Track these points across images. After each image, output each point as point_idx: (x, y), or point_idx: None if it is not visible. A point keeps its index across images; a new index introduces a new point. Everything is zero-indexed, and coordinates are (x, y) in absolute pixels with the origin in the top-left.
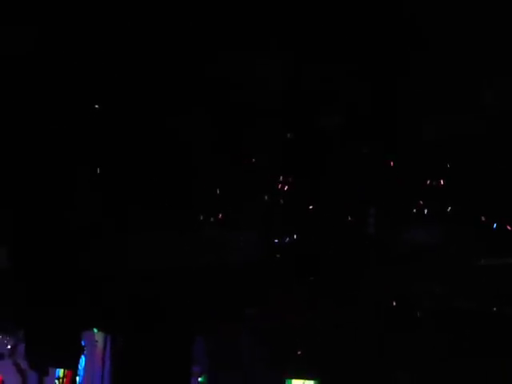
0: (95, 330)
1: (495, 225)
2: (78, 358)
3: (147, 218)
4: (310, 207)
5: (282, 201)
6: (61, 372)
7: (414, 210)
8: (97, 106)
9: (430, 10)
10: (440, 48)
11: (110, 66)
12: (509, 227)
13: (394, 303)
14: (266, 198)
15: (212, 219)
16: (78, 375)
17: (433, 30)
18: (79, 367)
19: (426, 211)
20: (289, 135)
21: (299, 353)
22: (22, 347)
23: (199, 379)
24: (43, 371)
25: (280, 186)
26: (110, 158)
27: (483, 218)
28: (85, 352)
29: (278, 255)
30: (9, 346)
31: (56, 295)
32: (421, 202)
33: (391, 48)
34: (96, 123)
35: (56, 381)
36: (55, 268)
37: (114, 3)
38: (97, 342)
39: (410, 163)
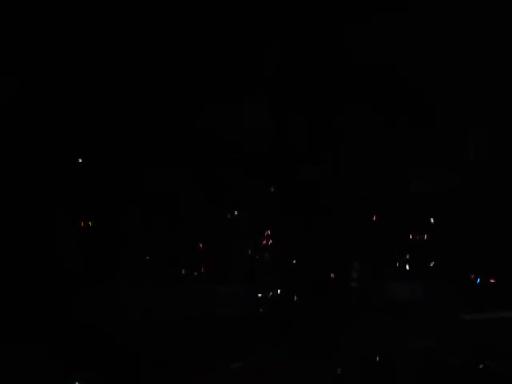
0: None
1: (478, 280)
2: None
3: (134, 270)
4: (294, 262)
5: (266, 255)
6: None
7: (398, 265)
8: (80, 160)
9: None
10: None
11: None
12: (493, 281)
13: (378, 358)
14: (250, 252)
15: (197, 273)
16: None
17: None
18: None
19: (409, 266)
20: (272, 189)
21: None
22: None
23: None
24: None
25: (265, 240)
26: (95, 210)
27: (466, 273)
28: None
29: (262, 309)
30: None
31: (38, 344)
32: (405, 257)
33: (378, 104)
34: (80, 175)
35: None
36: (38, 317)
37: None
38: None
39: (394, 217)
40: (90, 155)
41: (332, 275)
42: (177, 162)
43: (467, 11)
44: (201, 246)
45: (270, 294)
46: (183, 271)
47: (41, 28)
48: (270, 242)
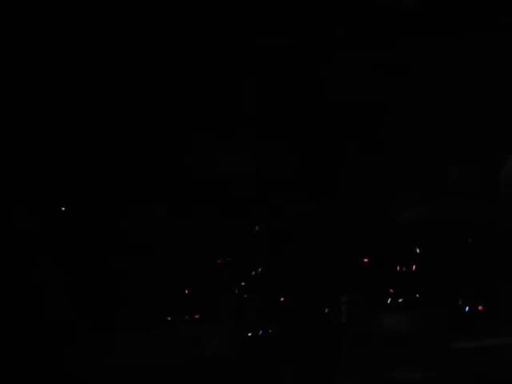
0: None
1: (467, 308)
2: None
3: (119, 318)
4: (282, 299)
5: (254, 294)
6: None
7: (386, 297)
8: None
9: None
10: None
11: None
12: (480, 308)
13: None
14: (237, 291)
15: (184, 317)
16: None
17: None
18: None
19: (397, 297)
20: (257, 228)
21: None
22: None
23: None
24: None
25: (251, 279)
26: (77, 258)
27: (454, 302)
28: None
29: (252, 349)
30: None
31: None
32: (391, 290)
33: (361, 139)
34: (64, 224)
35: None
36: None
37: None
38: None
39: (381, 248)
40: (72, 200)
41: (321, 310)
42: (159, 203)
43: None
44: (187, 291)
45: (260, 332)
46: (170, 317)
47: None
48: (258, 280)
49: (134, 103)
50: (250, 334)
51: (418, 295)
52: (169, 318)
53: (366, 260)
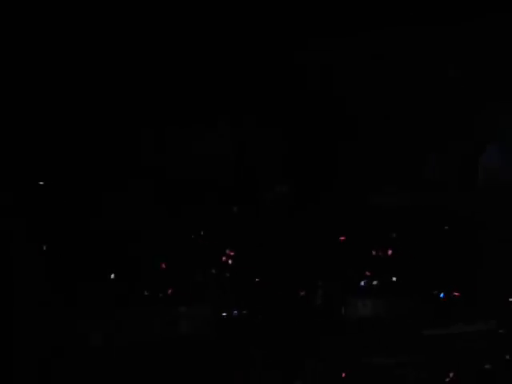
0: None
1: (442, 295)
2: None
3: (97, 294)
4: (257, 280)
5: (228, 274)
6: None
7: (362, 282)
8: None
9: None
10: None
11: None
12: (456, 294)
13: (344, 374)
14: (214, 271)
15: (161, 294)
16: None
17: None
18: None
19: (372, 282)
20: (235, 209)
21: None
22: None
23: None
24: None
25: (227, 259)
26: (55, 232)
27: (428, 288)
28: None
29: (228, 329)
30: None
31: None
32: (367, 273)
33: (336, 123)
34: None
35: None
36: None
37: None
38: None
39: (356, 233)
40: (52, 177)
41: (296, 293)
42: (139, 184)
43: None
44: (164, 266)
45: (235, 313)
46: (146, 293)
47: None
48: (233, 261)
49: (114, 88)
50: (224, 315)
51: (393, 280)
52: (145, 296)
53: (342, 245)
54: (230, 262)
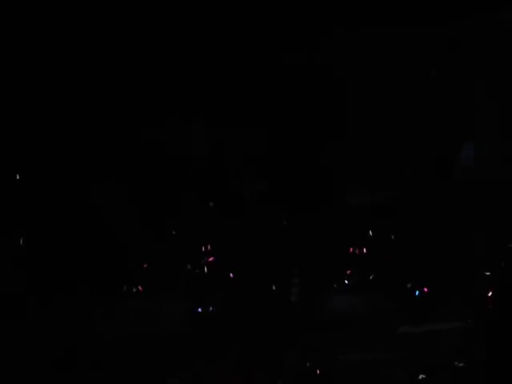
0: None
1: (417, 292)
2: None
3: (70, 288)
4: (231, 275)
5: (205, 269)
6: None
7: (337, 279)
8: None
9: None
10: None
11: None
12: (427, 291)
13: (318, 371)
14: (189, 267)
15: (135, 289)
16: None
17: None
18: None
19: (348, 280)
20: (211, 204)
21: None
22: None
23: None
24: None
25: (203, 255)
26: (32, 224)
27: (404, 286)
28: None
29: (202, 325)
30: None
31: None
32: (344, 271)
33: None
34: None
35: None
36: None
37: None
38: None
39: (333, 231)
40: (27, 166)
41: (272, 289)
42: (115, 177)
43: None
44: (141, 263)
45: (210, 309)
46: (124, 288)
47: None
48: (210, 256)
49: (98, 77)
50: (199, 310)
51: (369, 278)
52: (120, 290)
53: (318, 241)
54: (206, 258)
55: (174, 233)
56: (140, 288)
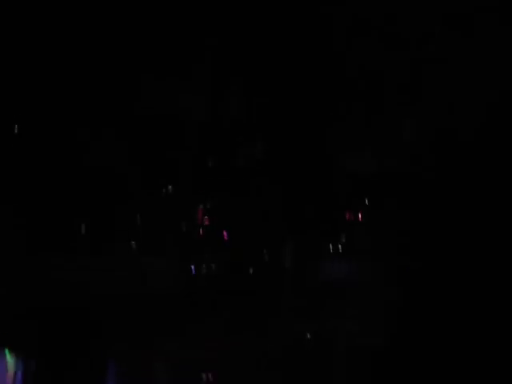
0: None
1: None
2: None
3: (63, 242)
4: (226, 237)
5: (199, 231)
6: None
7: (331, 245)
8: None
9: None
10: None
11: None
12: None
13: (309, 337)
14: (184, 226)
15: (129, 246)
16: None
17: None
18: None
19: (342, 246)
20: (210, 164)
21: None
22: None
23: None
24: None
25: (198, 215)
26: (28, 181)
27: (397, 255)
28: None
29: (194, 286)
30: None
31: None
32: (338, 237)
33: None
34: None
35: None
36: None
37: None
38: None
39: (328, 197)
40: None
41: (265, 253)
42: (112, 136)
43: None
44: (136, 219)
45: (203, 270)
46: (117, 244)
47: None
48: (205, 217)
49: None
50: (193, 271)
51: (363, 245)
52: (112, 248)
53: (314, 208)
54: (201, 217)
55: (169, 189)
56: (133, 244)
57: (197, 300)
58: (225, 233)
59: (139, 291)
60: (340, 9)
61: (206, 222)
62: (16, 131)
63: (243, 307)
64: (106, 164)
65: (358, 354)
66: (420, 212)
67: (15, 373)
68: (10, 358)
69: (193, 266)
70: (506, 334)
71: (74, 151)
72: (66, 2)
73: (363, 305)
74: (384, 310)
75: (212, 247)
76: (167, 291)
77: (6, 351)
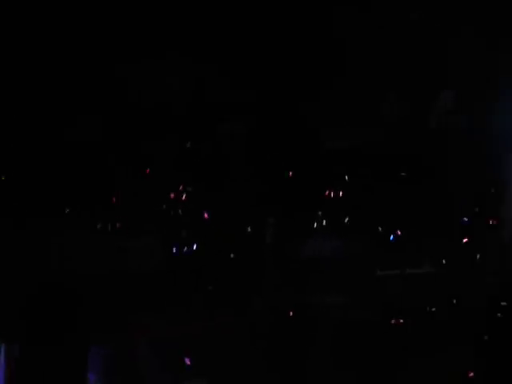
0: None
1: (392, 236)
2: None
3: (45, 223)
4: (206, 216)
5: (180, 210)
6: None
7: (314, 222)
8: None
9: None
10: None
11: None
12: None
13: (292, 313)
14: (164, 206)
15: (110, 226)
16: None
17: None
18: None
19: (324, 222)
20: (188, 144)
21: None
22: None
23: None
24: None
25: (178, 195)
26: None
27: (380, 229)
28: None
29: (176, 264)
30: None
31: None
32: (319, 213)
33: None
34: None
35: None
36: None
37: None
38: None
39: (309, 173)
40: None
41: (247, 230)
42: (92, 113)
43: None
44: (114, 199)
45: (185, 249)
46: (97, 225)
47: None
48: (184, 197)
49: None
50: (174, 250)
51: (345, 221)
52: (95, 227)
53: (294, 184)
54: (181, 197)
55: (148, 171)
56: (118, 225)
57: (178, 278)
58: (205, 212)
59: (121, 270)
60: None
61: (187, 201)
62: None
63: (226, 284)
64: (86, 144)
65: (344, 328)
66: (401, 185)
67: None
68: None
69: (174, 245)
70: None
71: (56, 130)
72: None
73: (348, 279)
74: (369, 283)
75: (193, 226)
76: (149, 270)
77: None
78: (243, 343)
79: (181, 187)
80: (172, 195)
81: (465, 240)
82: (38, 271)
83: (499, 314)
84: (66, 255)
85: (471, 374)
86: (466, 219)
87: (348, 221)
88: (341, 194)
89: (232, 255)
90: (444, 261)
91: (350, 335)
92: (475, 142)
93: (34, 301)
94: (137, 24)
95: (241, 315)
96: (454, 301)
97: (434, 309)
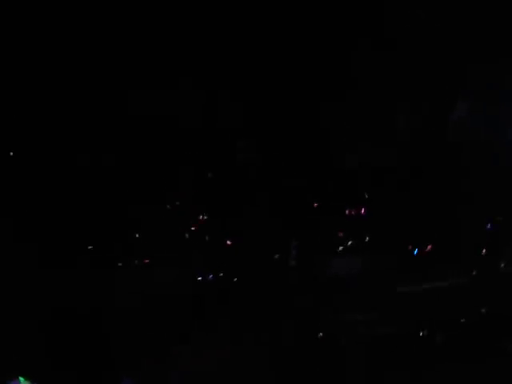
0: (21, 380)
1: (415, 251)
2: None
3: (72, 258)
4: (229, 242)
5: (206, 238)
6: None
7: (335, 241)
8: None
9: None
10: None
11: None
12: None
13: (321, 334)
14: (187, 236)
15: (137, 262)
16: None
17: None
18: None
19: (347, 242)
20: (209, 174)
21: None
22: None
23: None
24: None
25: (201, 223)
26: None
27: (403, 246)
28: None
29: (202, 292)
30: None
31: None
32: (342, 233)
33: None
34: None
35: None
36: None
37: None
38: None
39: (330, 193)
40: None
41: (270, 253)
42: (108, 148)
43: None
44: (136, 235)
45: (210, 277)
46: (121, 260)
47: None
48: (207, 226)
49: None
50: (199, 279)
51: (367, 239)
52: (119, 264)
53: (315, 204)
54: (203, 227)
55: (168, 207)
56: (146, 260)
57: (205, 306)
58: (228, 239)
59: (149, 301)
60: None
61: (208, 230)
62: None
63: (251, 311)
64: (101, 175)
65: (372, 345)
66: (421, 202)
67: None
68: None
69: (199, 274)
70: None
71: (73, 167)
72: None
73: (372, 297)
74: (394, 300)
75: (216, 253)
76: (176, 299)
77: (21, 379)
78: (273, 367)
79: (202, 217)
80: (194, 227)
81: (489, 250)
82: (66, 309)
83: None
84: (90, 292)
85: None
86: (489, 227)
87: (371, 238)
88: (362, 211)
89: (256, 280)
90: (471, 271)
91: (380, 350)
92: (494, 152)
93: (63, 340)
94: (148, 52)
95: (268, 338)
96: (483, 310)
97: (463, 320)
